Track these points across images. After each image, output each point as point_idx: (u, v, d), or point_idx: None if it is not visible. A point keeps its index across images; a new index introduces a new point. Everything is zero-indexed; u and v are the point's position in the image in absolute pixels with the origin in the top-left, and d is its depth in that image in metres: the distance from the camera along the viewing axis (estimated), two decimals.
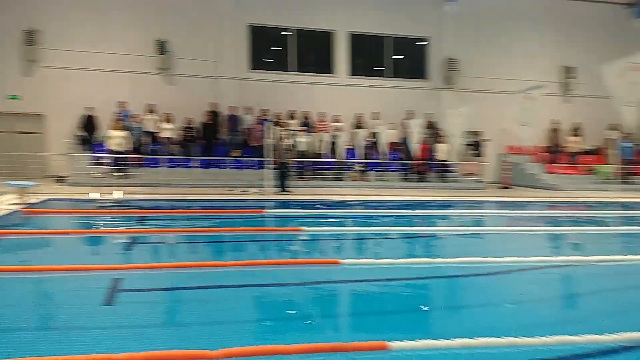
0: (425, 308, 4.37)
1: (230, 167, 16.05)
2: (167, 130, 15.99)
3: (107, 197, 11.18)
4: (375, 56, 19.94)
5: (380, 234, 8.12)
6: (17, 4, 16.63)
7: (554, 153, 18.82)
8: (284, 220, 9.78)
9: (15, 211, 8.58)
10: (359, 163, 17.08)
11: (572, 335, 3.15)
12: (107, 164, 14.75)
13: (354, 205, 12.02)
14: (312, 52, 19.83)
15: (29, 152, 15.03)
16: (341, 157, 17.12)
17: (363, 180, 16.80)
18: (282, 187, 13.99)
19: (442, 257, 6.25)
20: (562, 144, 19.09)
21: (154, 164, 15.60)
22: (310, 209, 10.68)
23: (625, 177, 17.60)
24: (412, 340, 3.02)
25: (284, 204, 11.77)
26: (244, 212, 10.14)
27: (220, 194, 12.86)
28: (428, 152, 17.67)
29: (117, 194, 11.42)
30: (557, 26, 20.37)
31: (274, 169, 14.20)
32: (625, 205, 12.98)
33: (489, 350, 3.01)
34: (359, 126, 17.63)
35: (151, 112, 16.17)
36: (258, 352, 2.86)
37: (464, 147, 18.72)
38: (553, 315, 4.18)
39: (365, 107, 18.17)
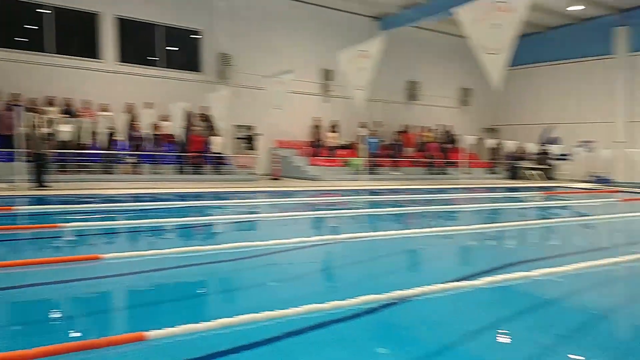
0: (190, 294, 4.31)
1: None
2: None
3: None
4: (147, 45, 18.95)
5: (152, 227, 7.76)
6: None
7: (316, 147, 20.50)
8: (40, 217, 8.65)
9: None
10: (130, 155, 16.09)
11: (320, 303, 3.42)
12: None
13: (124, 199, 11.26)
14: (74, 34, 17.90)
15: None
16: (110, 148, 15.90)
17: (135, 173, 15.89)
18: (39, 182, 12.37)
19: (212, 245, 6.25)
20: (322, 139, 20.90)
21: None
22: (72, 204, 9.66)
23: (372, 168, 20.10)
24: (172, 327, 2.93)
25: (40, 200, 10.42)
26: None
27: None
28: (203, 144, 17.56)
29: None
30: (318, 31, 22.09)
31: (28, 161, 12.47)
32: (373, 192, 14.79)
33: (249, 326, 3.09)
34: (130, 116, 16.59)
35: None
36: None
37: (238, 141, 19.13)
38: (309, 288, 4.51)
39: (137, 96, 17.18)
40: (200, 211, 9.96)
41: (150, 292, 4.25)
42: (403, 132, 23.04)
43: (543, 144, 23.19)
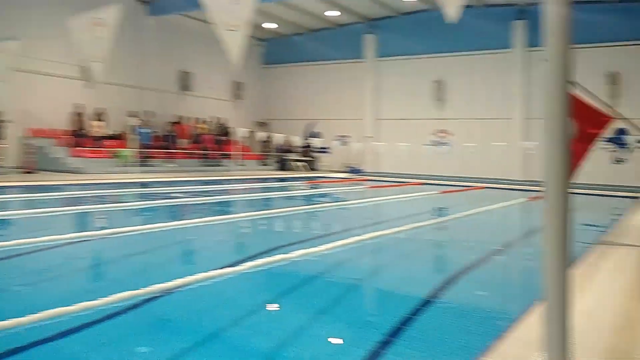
0: None
1: None
2: None
3: None
4: None
5: None
6: None
7: (79, 137, 18.59)
8: None
9: None
10: None
11: (69, 305, 3.12)
12: None
13: None
14: None
15: None
16: None
17: None
18: None
19: None
20: (87, 128, 19.07)
21: None
22: None
23: (144, 159, 19.13)
24: None
25: None
26: None
27: None
28: None
29: None
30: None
31: None
32: (144, 184, 14.10)
33: None
34: None
35: None
36: None
37: None
38: (65, 289, 4.08)
39: None
40: None
41: None
42: (177, 123, 22.46)
43: (306, 137, 25.19)
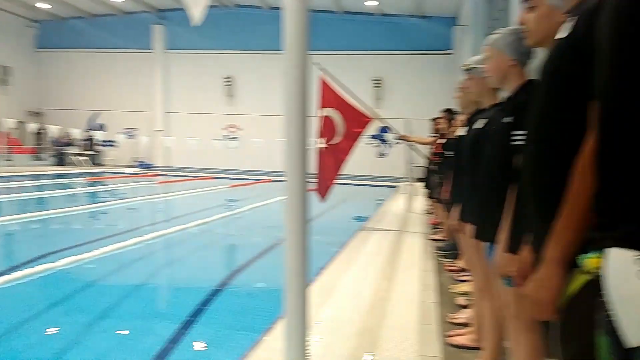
0: None
1: None
2: None
3: None
4: None
5: None
6: None
7: None
8: None
9: None
10: None
11: None
12: None
13: None
14: None
15: None
16: None
17: None
18: None
19: None
20: None
21: None
22: None
23: None
24: None
25: None
26: None
27: None
28: None
29: None
30: None
31: None
32: None
33: None
34: None
35: None
36: None
37: None
38: None
39: None
40: None
41: None
42: None
43: (89, 129, 23.06)
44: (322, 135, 6.21)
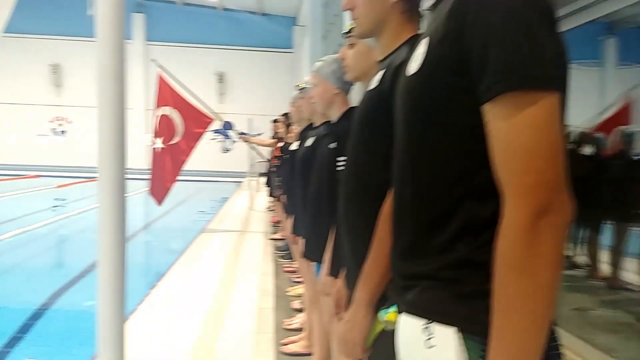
0: None
1: None
2: None
3: None
4: None
5: None
6: None
7: None
8: None
9: None
10: None
11: None
12: None
13: None
14: None
15: None
16: None
17: None
18: None
19: None
20: None
21: None
22: None
23: None
24: None
25: None
26: None
27: None
28: None
29: None
30: None
31: None
32: None
33: None
34: None
35: None
36: None
37: None
38: None
39: None
40: None
41: None
42: None
43: None
44: (159, 135, 5.89)
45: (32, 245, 6.30)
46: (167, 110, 5.88)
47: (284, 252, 5.14)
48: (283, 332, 3.11)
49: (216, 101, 19.87)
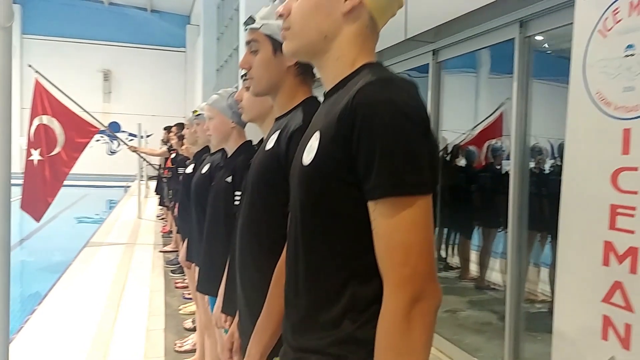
0: None
1: None
2: None
3: None
4: None
5: None
6: None
7: None
8: None
9: None
10: None
11: None
12: None
13: None
14: None
15: None
16: None
17: None
18: None
19: None
20: None
21: None
22: None
23: None
24: None
25: None
26: None
27: None
28: None
29: None
30: None
31: None
32: None
33: None
34: None
35: None
36: None
37: None
38: None
39: None
40: None
41: None
42: None
43: None
44: (36, 146, 5.39)
45: None
46: (45, 119, 5.39)
47: (174, 265, 4.98)
48: (174, 355, 3.03)
49: (101, 100, 18.63)
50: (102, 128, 6.22)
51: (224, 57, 12.52)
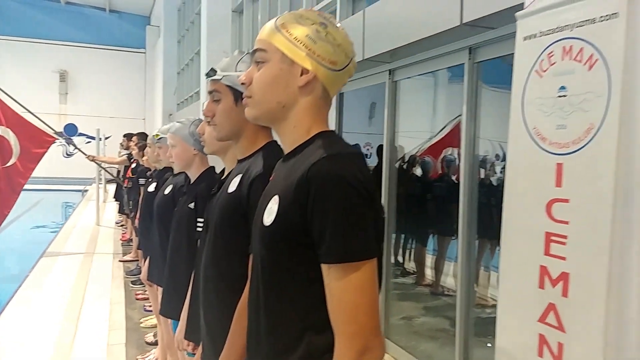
0: None
1: None
2: None
3: None
4: None
5: None
6: None
7: None
8: None
9: None
10: None
11: None
12: None
13: None
14: None
15: None
16: None
17: None
18: None
19: None
20: None
21: None
22: None
23: None
24: None
25: None
26: None
27: None
28: None
29: None
30: None
31: None
32: None
33: None
34: None
35: None
36: None
37: None
38: None
39: None
40: None
41: None
42: None
43: None
44: None
45: None
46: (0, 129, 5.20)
47: (135, 276, 4.91)
48: None
49: (57, 101, 18.03)
50: (59, 138, 6.04)
51: (185, 60, 12.36)
